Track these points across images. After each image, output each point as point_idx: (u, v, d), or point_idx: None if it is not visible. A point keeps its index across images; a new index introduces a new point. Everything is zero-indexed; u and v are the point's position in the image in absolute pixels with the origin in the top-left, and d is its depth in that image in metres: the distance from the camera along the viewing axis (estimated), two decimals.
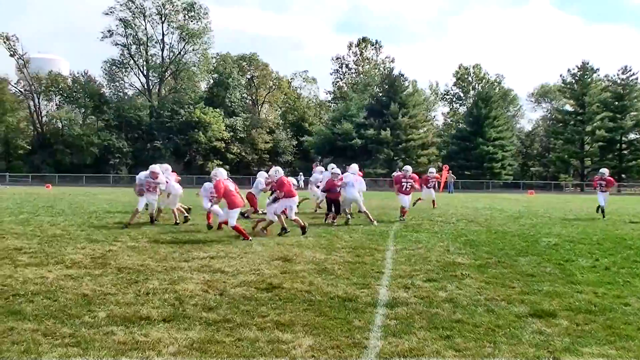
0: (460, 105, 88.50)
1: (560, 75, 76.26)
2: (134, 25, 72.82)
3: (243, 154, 73.32)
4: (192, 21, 74.20)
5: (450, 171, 50.66)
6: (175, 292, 7.43)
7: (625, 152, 69.36)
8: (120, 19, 71.98)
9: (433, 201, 23.94)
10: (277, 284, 7.95)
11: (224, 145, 70.81)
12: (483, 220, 18.22)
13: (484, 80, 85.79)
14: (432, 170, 25.79)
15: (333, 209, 16.98)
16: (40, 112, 74.06)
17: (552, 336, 5.76)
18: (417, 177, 19.24)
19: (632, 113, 69.09)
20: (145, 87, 76.45)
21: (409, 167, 19.08)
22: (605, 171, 20.76)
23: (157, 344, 5.36)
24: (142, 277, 8.32)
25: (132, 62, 74.92)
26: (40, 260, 9.69)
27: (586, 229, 15.98)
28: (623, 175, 67.81)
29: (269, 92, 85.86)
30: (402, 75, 73.61)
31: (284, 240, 12.68)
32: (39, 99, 73.54)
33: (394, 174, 22.69)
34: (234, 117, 73.46)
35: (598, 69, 71.86)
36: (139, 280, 8.15)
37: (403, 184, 18.23)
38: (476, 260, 10.18)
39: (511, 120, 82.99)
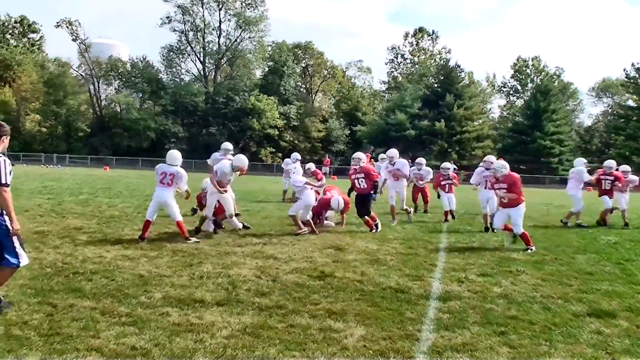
0: (517, 98, 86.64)
1: (624, 70, 73.78)
2: (192, 12, 73.62)
3: (296, 142, 73.39)
4: (249, 9, 74.54)
5: None
6: (229, 276, 7.52)
7: None
8: (179, 5, 72.83)
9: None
10: (329, 273, 7.97)
11: (277, 132, 71.04)
12: (539, 215, 17.85)
13: (542, 73, 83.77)
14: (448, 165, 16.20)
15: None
16: (100, 96, 75.70)
17: (611, 337, 5.62)
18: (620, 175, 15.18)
19: None
20: (202, 73, 77.30)
21: (612, 162, 15.47)
22: None
23: (210, 327, 5.44)
24: (197, 261, 8.45)
25: (189, 48, 75.79)
26: (98, 240, 9.95)
27: None
28: None
29: (323, 81, 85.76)
30: (459, 66, 72.57)
31: (336, 229, 12.68)
32: (98, 83, 75.16)
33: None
34: (287, 105, 73.60)
35: None
36: (193, 263, 8.28)
37: (603, 180, 14.94)
38: (532, 257, 9.98)
39: (570, 115, 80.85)
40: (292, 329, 5.49)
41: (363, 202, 12.53)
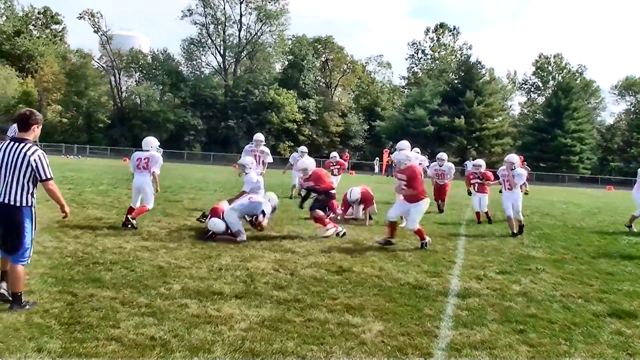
0: (538, 96, 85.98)
1: None
2: (213, 5, 73.88)
3: (314, 136, 73.44)
4: (269, 2, 74.60)
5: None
6: (247, 269, 7.55)
7: None
8: None
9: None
10: (347, 267, 7.96)
11: (296, 126, 71.14)
12: (559, 214, 17.69)
13: (564, 71, 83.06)
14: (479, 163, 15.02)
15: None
16: (121, 88, 76.30)
17: (632, 338, 5.56)
18: None
19: None
20: (222, 66, 77.55)
21: None
22: None
23: (229, 319, 5.45)
24: (215, 253, 8.48)
25: (209, 41, 76.11)
26: (118, 230, 10.02)
27: None
28: None
29: (342, 76, 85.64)
30: (479, 62, 72.22)
31: (355, 225, 12.66)
32: (119, 74, 75.76)
33: None
34: (307, 99, 73.63)
35: None
36: (212, 255, 8.31)
37: None
38: (552, 255, 9.91)
39: (592, 113, 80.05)
40: (310, 323, 5.49)
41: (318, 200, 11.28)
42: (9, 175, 5.44)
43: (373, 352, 4.89)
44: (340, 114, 77.73)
